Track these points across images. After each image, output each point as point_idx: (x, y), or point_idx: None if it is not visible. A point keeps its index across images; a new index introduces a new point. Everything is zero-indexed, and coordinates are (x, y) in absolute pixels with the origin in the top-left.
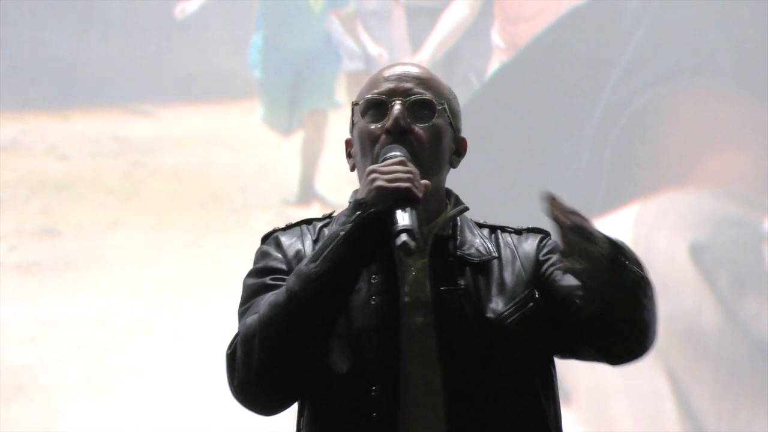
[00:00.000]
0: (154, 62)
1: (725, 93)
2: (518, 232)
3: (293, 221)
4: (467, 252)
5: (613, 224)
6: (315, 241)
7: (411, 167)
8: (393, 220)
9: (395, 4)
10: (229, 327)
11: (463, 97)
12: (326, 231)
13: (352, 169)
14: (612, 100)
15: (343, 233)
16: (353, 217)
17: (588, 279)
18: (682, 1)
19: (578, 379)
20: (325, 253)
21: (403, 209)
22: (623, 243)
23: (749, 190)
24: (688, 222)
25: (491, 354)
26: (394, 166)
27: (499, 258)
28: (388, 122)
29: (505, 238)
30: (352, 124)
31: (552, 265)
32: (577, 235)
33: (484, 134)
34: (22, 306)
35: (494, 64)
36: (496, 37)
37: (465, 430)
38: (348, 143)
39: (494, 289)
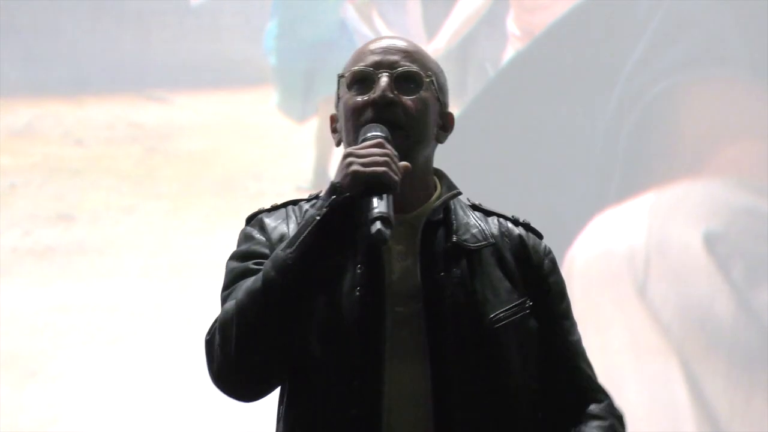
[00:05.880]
0: (168, 48)
1: (741, 82)
2: (515, 222)
3: (279, 202)
4: (463, 237)
5: (628, 213)
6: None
7: (389, 149)
8: (367, 207)
9: None
10: None
11: (477, 85)
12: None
13: (338, 144)
14: (627, 88)
15: (318, 218)
16: (328, 201)
17: None
18: None
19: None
20: (301, 238)
21: (379, 195)
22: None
23: (764, 179)
24: (702, 211)
25: (482, 349)
26: (371, 149)
27: (496, 245)
28: (375, 94)
29: (501, 224)
30: (338, 98)
31: (552, 319)
32: None
33: (498, 122)
34: (36, 291)
35: (509, 52)
36: (512, 25)
37: (452, 429)
38: (333, 118)
39: (489, 281)
